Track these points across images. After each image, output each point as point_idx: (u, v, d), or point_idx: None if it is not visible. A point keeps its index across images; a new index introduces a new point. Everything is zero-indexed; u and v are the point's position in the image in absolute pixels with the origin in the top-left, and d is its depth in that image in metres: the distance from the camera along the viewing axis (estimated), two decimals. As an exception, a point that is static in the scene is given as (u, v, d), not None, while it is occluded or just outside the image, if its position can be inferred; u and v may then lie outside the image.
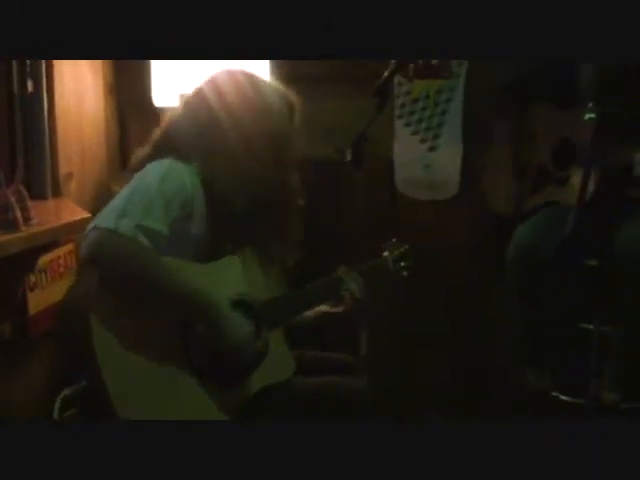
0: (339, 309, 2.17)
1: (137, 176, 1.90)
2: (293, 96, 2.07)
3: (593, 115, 2.17)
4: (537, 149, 2.77)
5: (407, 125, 3.42)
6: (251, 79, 2.02)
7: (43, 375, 2.64)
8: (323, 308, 2.20)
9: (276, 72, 3.25)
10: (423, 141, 3.40)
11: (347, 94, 3.41)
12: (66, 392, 1.98)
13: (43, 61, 2.64)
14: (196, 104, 1.99)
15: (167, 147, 1.97)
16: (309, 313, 2.20)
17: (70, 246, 2.78)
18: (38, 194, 2.61)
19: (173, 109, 2.08)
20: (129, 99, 3.39)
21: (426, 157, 3.39)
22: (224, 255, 1.96)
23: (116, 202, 1.82)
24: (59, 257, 2.71)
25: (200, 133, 1.95)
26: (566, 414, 2.45)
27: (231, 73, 2.03)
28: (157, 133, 2.04)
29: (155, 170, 1.91)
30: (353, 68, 3.17)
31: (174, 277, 1.81)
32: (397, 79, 3.40)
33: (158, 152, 1.98)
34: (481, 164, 3.04)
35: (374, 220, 2.49)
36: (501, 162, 2.89)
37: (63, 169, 2.84)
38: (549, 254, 2.51)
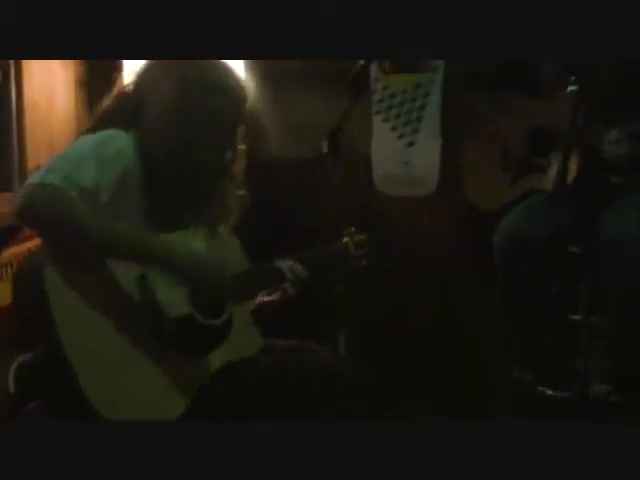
0: (274, 297, 2.13)
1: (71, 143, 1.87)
2: (247, 83, 2.03)
3: (575, 87, 2.13)
4: (514, 139, 2.73)
5: (385, 121, 3.37)
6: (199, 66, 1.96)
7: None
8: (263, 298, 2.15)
9: (250, 69, 3.23)
10: (402, 136, 3.34)
11: (322, 91, 3.35)
12: (20, 359, 1.87)
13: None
14: (144, 75, 1.95)
15: (108, 118, 1.93)
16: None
17: (37, 240, 2.71)
18: (5, 187, 2.59)
19: (124, 79, 2.05)
20: (101, 94, 3.32)
21: (405, 153, 3.34)
22: (171, 230, 1.90)
23: (46, 164, 1.77)
24: (26, 250, 2.64)
25: (143, 101, 1.91)
26: (553, 409, 2.39)
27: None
28: (101, 106, 1.99)
29: (90, 137, 1.86)
30: (326, 64, 3.11)
31: (115, 226, 1.76)
32: (374, 74, 3.36)
33: (100, 123, 1.92)
34: (460, 162, 3.00)
35: (350, 215, 2.43)
36: (481, 155, 2.84)
37: (31, 162, 2.79)
38: (536, 241, 2.47)
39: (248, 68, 3.16)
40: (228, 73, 1.97)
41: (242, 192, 2.14)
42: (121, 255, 1.76)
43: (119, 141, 1.84)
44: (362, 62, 2.40)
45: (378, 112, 3.37)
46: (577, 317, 2.22)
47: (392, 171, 3.36)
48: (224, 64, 1.98)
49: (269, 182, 3.38)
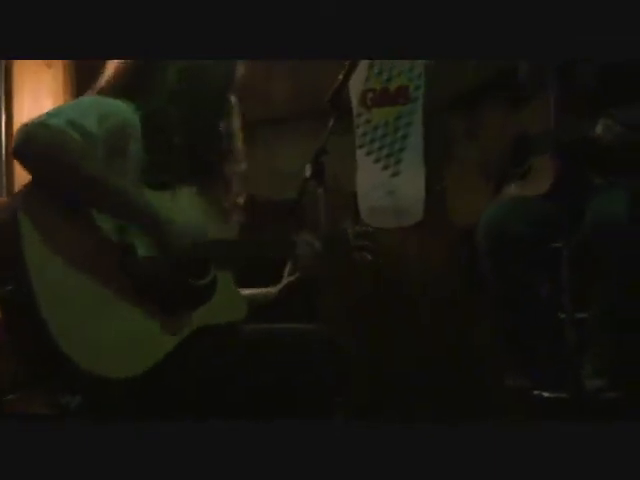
0: (301, 270, 2.11)
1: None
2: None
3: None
4: (494, 150, 2.75)
5: (369, 154, 3.41)
6: None
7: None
8: (285, 279, 2.15)
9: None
10: (385, 167, 3.38)
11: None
12: None
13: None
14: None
15: (107, 89, 1.94)
16: (272, 289, 2.16)
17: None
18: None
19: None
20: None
21: (389, 183, 3.37)
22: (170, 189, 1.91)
23: (47, 111, 1.78)
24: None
25: (144, 72, 1.94)
26: (550, 411, 2.35)
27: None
28: (100, 81, 2.00)
29: (91, 96, 1.91)
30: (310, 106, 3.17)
31: (111, 176, 1.75)
32: (356, 109, 3.42)
33: (102, 91, 1.95)
34: (441, 186, 3.01)
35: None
36: (462, 172, 2.87)
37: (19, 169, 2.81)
38: (519, 232, 2.46)
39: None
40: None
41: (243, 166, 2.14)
42: (107, 209, 1.76)
43: (118, 102, 1.86)
44: (341, 77, 2.47)
45: (361, 146, 3.42)
46: (563, 315, 2.20)
47: (378, 202, 3.38)
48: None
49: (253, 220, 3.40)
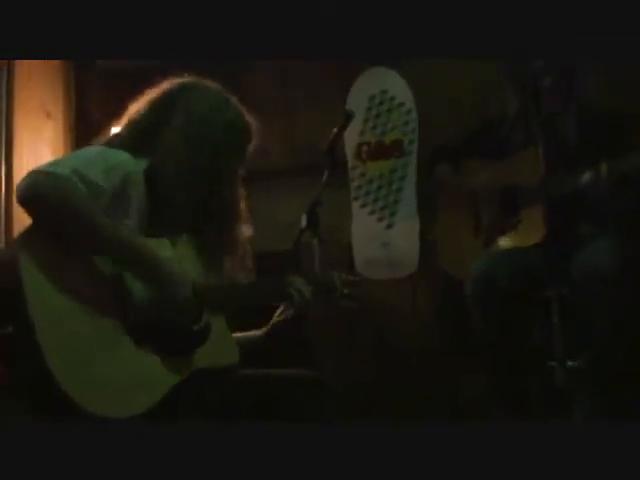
0: (290, 312, 2.14)
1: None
2: (251, 118, 2.11)
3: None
4: (484, 203, 2.81)
5: (363, 206, 3.47)
6: (217, 91, 2.07)
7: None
8: (274, 319, 2.18)
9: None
10: (380, 219, 3.43)
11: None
12: None
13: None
14: (159, 104, 2.02)
15: (116, 142, 1.98)
16: (260, 332, 2.18)
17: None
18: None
19: (135, 105, 2.07)
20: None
21: (384, 235, 3.42)
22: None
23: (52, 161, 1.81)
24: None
25: (157, 131, 1.98)
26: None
27: (200, 82, 2.08)
28: (107, 133, 2.06)
29: (97, 146, 1.94)
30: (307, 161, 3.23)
31: (114, 225, 1.78)
32: (351, 163, 3.48)
33: (110, 144, 1.98)
34: (432, 237, 3.06)
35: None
36: (453, 224, 2.92)
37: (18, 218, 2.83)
38: (508, 283, 2.51)
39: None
40: (229, 105, 2.06)
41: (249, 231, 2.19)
42: (107, 256, 1.79)
43: (124, 155, 1.90)
44: (335, 130, 2.53)
45: (356, 198, 3.48)
46: (553, 363, 2.23)
47: (373, 254, 3.43)
48: (227, 97, 2.08)
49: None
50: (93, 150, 1.92)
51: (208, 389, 1.88)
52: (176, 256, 1.92)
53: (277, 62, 3.56)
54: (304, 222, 2.51)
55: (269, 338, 2.17)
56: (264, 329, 2.19)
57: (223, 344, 1.98)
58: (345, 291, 2.18)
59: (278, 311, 2.20)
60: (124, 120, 2.04)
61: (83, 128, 3.43)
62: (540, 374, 2.46)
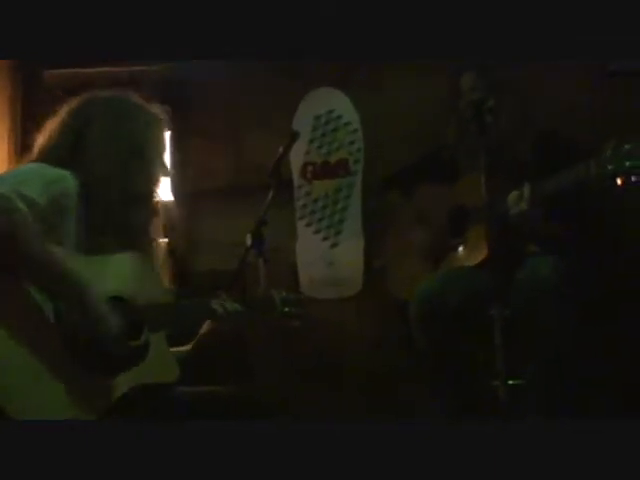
0: (213, 327, 2.16)
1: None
2: (159, 111, 2.14)
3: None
4: (432, 226, 2.85)
5: (308, 225, 3.48)
6: (119, 98, 2.11)
7: None
8: (199, 334, 2.19)
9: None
10: (325, 239, 3.45)
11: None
12: None
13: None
14: (74, 119, 2.05)
15: (47, 155, 2.00)
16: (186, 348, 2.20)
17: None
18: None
19: (53, 122, 2.09)
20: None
21: (329, 254, 3.44)
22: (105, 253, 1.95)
23: None
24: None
25: (78, 143, 2.00)
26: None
27: (106, 93, 2.12)
28: (37, 145, 2.06)
29: (32, 164, 1.96)
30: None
31: (48, 248, 1.77)
32: (297, 182, 3.50)
33: (38, 159, 2.00)
34: (380, 264, 3.09)
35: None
36: (402, 248, 2.94)
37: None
38: (452, 304, 2.55)
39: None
40: (144, 105, 2.10)
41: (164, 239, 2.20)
42: (42, 284, 1.78)
43: (58, 170, 1.90)
44: (281, 150, 2.55)
45: (302, 217, 3.49)
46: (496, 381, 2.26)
47: (318, 273, 3.44)
48: (137, 98, 2.11)
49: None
50: (29, 169, 1.93)
51: (144, 406, 1.89)
52: (113, 274, 1.93)
53: (225, 81, 3.57)
54: (249, 241, 2.54)
55: (195, 354, 2.17)
56: (191, 344, 2.20)
57: (162, 361, 1.98)
58: (285, 309, 2.19)
59: (203, 327, 2.20)
60: (46, 135, 2.05)
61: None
62: (484, 392, 2.49)
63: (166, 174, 2.16)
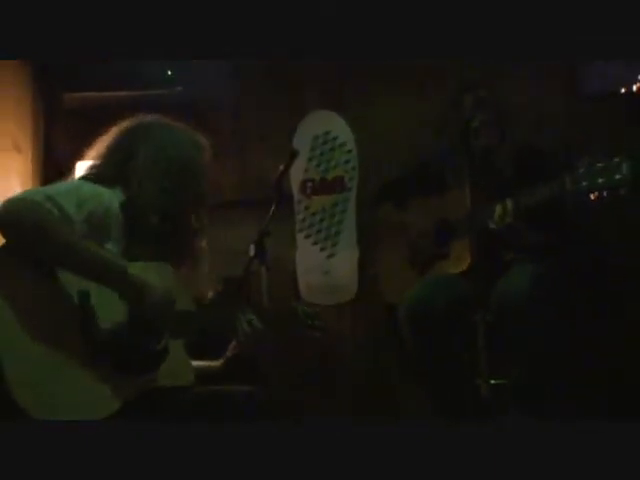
0: (241, 349, 2.28)
1: None
2: (202, 138, 2.26)
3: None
4: (420, 237, 3.02)
5: (307, 237, 3.74)
6: (168, 124, 2.23)
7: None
8: (227, 355, 2.33)
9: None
10: (323, 249, 3.71)
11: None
12: None
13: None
14: (123, 140, 2.16)
15: (94, 174, 2.12)
16: (217, 363, 2.34)
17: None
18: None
19: (102, 142, 2.19)
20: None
21: (326, 264, 3.70)
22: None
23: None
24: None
25: (127, 162, 2.11)
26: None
27: (154, 118, 2.24)
28: (85, 166, 2.20)
29: (73, 181, 2.09)
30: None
31: (87, 242, 1.89)
32: (297, 197, 3.74)
33: (86, 178, 2.11)
34: (373, 270, 3.26)
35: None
36: (394, 257, 3.12)
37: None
38: (439, 308, 2.71)
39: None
40: (188, 130, 2.22)
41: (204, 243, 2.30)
42: (81, 273, 1.88)
43: (99, 189, 2.01)
44: (282, 168, 2.75)
45: (301, 230, 3.75)
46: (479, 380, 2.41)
47: (315, 281, 3.70)
48: (183, 125, 2.24)
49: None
50: (68, 184, 2.04)
51: (161, 407, 1.98)
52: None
53: (229, 104, 3.78)
54: (252, 251, 2.72)
55: (225, 370, 2.31)
56: (221, 361, 2.33)
57: (179, 366, 2.07)
58: (309, 322, 2.31)
59: (230, 347, 2.33)
60: (94, 154, 2.16)
61: (51, 162, 3.48)
62: (469, 391, 2.65)
63: (203, 199, 2.23)
